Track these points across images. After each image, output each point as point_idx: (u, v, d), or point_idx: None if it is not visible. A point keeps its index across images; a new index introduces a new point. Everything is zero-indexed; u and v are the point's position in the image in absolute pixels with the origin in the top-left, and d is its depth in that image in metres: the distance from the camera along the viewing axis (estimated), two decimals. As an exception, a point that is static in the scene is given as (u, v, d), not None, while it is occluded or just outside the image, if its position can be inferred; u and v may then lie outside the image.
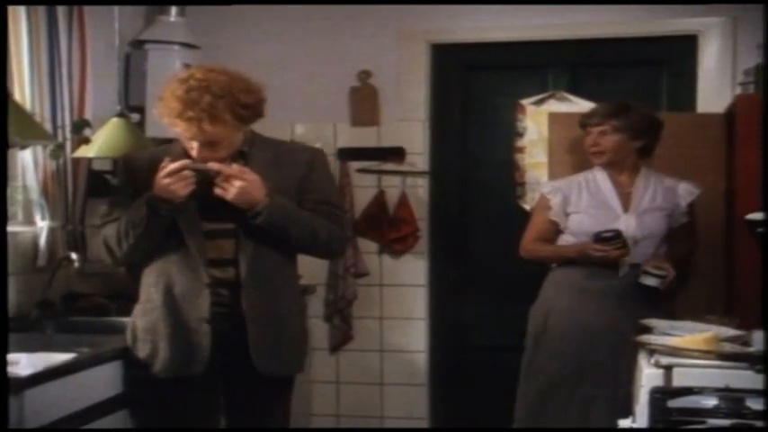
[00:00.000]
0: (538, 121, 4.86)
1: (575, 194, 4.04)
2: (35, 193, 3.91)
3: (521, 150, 4.95)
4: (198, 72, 3.02)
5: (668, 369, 2.75)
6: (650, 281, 3.79)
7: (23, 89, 3.83)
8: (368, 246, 5.14)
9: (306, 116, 5.17)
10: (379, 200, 5.10)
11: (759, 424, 2.25)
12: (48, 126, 3.92)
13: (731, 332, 3.10)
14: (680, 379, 2.70)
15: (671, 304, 4.00)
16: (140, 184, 3.07)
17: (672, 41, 4.87)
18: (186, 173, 2.99)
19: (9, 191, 3.78)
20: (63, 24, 4.06)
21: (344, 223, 3.39)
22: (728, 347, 2.90)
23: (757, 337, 2.93)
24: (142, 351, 3.15)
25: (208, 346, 3.08)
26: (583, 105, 4.61)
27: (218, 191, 3.00)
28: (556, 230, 4.07)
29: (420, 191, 5.12)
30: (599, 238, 3.82)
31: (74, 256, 3.97)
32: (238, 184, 2.98)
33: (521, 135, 4.96)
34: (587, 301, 3.90)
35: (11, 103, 3.42)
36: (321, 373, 5.17)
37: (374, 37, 5.09)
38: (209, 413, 3.21)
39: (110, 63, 4.34)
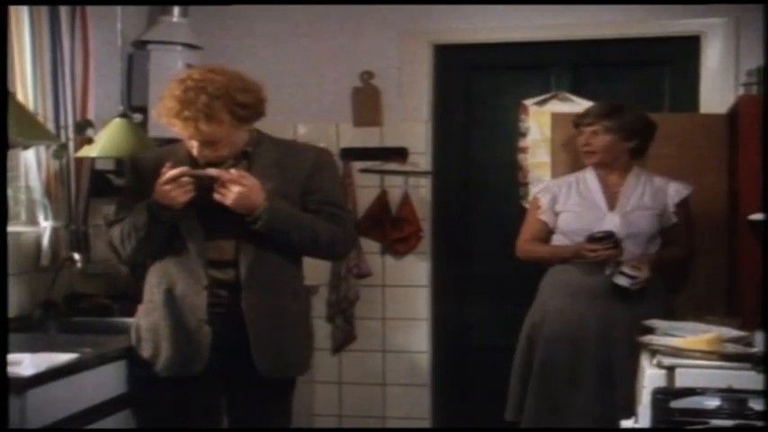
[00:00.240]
0: (540, 122, 4.86)
1: (563, 194, 4.07)
2: (38, 194, 3.92)
3: (523, 150, 4.95)
4: (196, 72, 3.03)
5: (671, 370, 2.76)
6: (622, 281, 3.83)
7: (26, 89, 3.83)
8: (370, 246, 5.14)
9: (308, 116, 5.17)
10: (382, 200, 5.10)
11: (761, 424, 2.25)
12: (51, 126, 3.92)
13: (734, 333, 3.10)
14: (682, 380, 2.70)
15: (669, 302, 4.01)
16: (147, 183, 3.08)
17: (674, 42, 4.87)
18: (185, 179, 2.99)
19: (12, 191, 3.78)
20: (66, 25, 4.06)
21: (349, 225, 3.37)
22: (731, 348, 2.90)
23: (760, 337, 2.92)
24: (145, 351, 3.16)
25: (208, 346, 3.09)
26: (585, 106, 4.58)
27: (216, 196, 3.00)
28: (548, 230, 4.10)
29: (422, 191, 5.12)
30: (591, 238, 3.86)
31: (77, 256, 3.97)
32: (237, 189, 2.98)
33: (523, 135, 4.95)
34: (580, 301, 3.92)
35: (14, 104, 3.42)
36: (324, 373, 5.17)
37: (377, 37, 5.09)
38: (211, 413, 3.22)
39: (112, 63, 4.34)
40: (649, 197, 4.01)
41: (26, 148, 3.79)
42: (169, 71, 4.05)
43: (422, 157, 5.09)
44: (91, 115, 4.19)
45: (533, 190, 4.27)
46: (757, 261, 3.75)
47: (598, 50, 4.96)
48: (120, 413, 3.18)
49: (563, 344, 3.92)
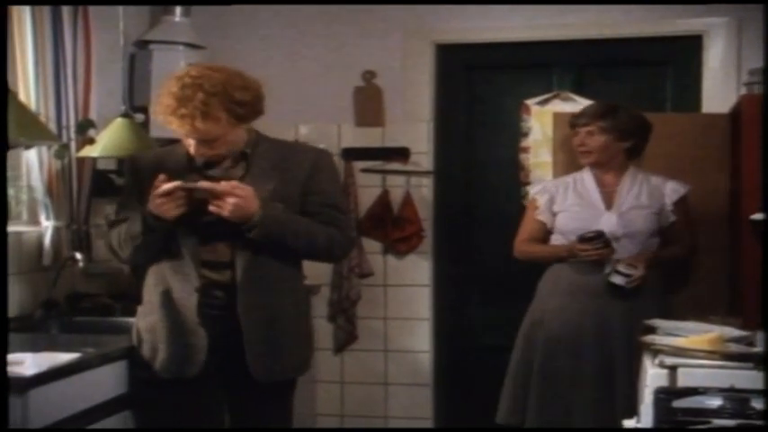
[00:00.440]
0: (542, 122, 4.86)
1: (561, 194, 4.09)
2: (40, 193, 3.92)
3: (525, 150, 4.95)
4: (194, 69, 3.02)
5: (673, 369, 2.75)
6: (617, 279, 3.85)
7: (28, 89, 3.83)
8: (372, 246, 5.14)
9: (310, 116, 5.17)
10: (384, 200, 5.10)
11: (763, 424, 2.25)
12: (52, 126, 3.92)
13: (736, 332, 3.09)
14: (685, 379, 2.70)
15: (668, 301, 4.02)
16: (146, 184, 3.06)
17: (677, 42, 4.87)
18: (178, 194, 2.96)
19: (14, 191, 3.78)
20: (68, 25, 4.06)
21: (348, 226, 3.35)
22: (733, 348, 2.90)
23: (761, 337, 2.93)
24: (145, 352, 3.16)
25: (203, 348, 3.07)
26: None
27: (212, 209, 2.97)
28: (545, 230, 4.13)
29: (424, 191, 5.12)
30: (581, 238, 3.88)
31: (78, 255, 3.97)
32: (232, 200, 2.95)
33: (525, 135, 4.95)
34: (578, 300, 3.94)
35: (16, 103, 3.42)
36: (325, 373, 5.17)
37: (379, 37, 5.09)
38: (211, 414, 3.21)
39: (114, 63, 4.34)
40: (646, 196, 4.02)
41: (28, 147, 3.79)
42: (171, 71, 4.02)
43: (424, 156, 5.09)
44: (93, 115, 4.19)
45: (531, 190, 4.28)
46: (759, 261, 3.75)
47: (600, 50, 4.96)
48: (121, 413, 3.18)
49: (562, 343, 3.93)
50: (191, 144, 3.04)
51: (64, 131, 4.02)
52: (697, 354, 2.82)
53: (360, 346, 5.19)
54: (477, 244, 5.18)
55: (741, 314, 3.72)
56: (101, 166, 4.26)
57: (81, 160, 4.12)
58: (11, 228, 3.73)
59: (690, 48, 4.82)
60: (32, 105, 3.81)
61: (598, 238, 3.86)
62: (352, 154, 5.12)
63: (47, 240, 3.94)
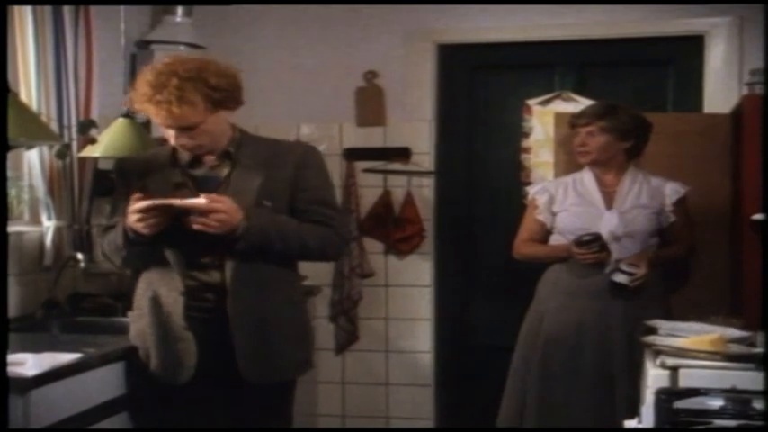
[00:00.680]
0: (544, 122, 4.86)
1: (561, 194, 4.10)
2: (41, 193, 3.92)
3: (527, 150, 4.95)
4: (168, 58, 3.03)
5: (674, 370, 2.75)
6: (620, 278, 3.85)
7: (30, 89, 3.83)
8: (373, 246, 5.14)
9: (312, 116, 5.17)
10: (385, 200, 5.10)
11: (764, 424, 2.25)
12: (54, 126, 3.92)
13: (737, 333, 3.09)
14: (686, 380, 2.70)
15: (668, 301, 4.02)
16: (133, 188, 3.06)
17: (678, 41, 4.86)
18: (154, 211, 2.93)
19: (16, 191, 3.79)
20: (69, 25, 4.06)
21: (340, 223, 3.31)
22: (735, 348, 2.90)
23: (763, 338, 2.93)
24: (140, 356, 3.15)
25: (193, 353, 3.05)
26: (589, 106, 4.61)
27: (196, 227, 2.93)
28: (545, 230, 4.13)
29: (426, 191, 5.12)
30: (578, 241, 3.88)
31: (80, 255, 3.97)
32: (216, 216, 2.91)
33: (527, 135, 4.95)
34: (578, 300, 3.95)
35: (17, 103, 3.43)
36: (327, 373, 5.17)
37: (380, 37, 5.09)
38: (207, 416, 3.20)
39: (116, 63, 4.34)
40: (646, 196, 4.03)
41: (29, 147, 3.79)
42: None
43: (425, 156, 5.09)
44: (94, 115, 4.19)
45: (530, 191, 4.27)
46: (760, 261, 3.74)
47: (602, 50, 4.96)
48: (123, 413, 3.18)
49: (562, 343, 3.94)
50: (171, 135, 3.02)
51: (65, 131, 4.02)
52: (698, 354, 2.82)
53: (361, 347, 5.19)
54: (478, 244, 5.18)
55: (743, 315, 3.72)
56: (102, 166, 4.25)
57: (82, 160, 4.12)
58: (12, 228, 3.73)
59: (691, 48, 4.82)
60: (34, 105, 3.82)
61: (595, 241, 3.86)
62: (353, 154, 5.12)
63: (48, 240, 3.95)
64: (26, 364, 2.81)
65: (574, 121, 4.13)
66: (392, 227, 5.08)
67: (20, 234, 3.83)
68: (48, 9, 3.92)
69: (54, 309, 3.87)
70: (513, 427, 4.07)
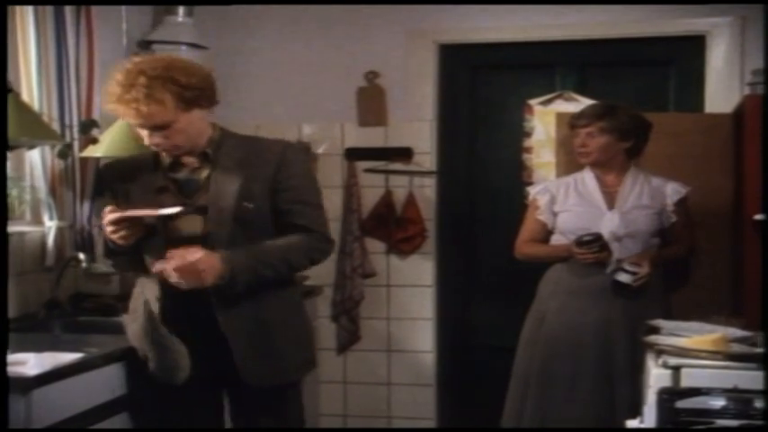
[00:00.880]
0: (545, 122, 4.86)
1: (562, 194, 4.10)
2: (43, 193, 3.92)
3: (528, 150, 4.95)
4: (138, 57, 3.02)
5: (676, 370, 2.75)
6: (623, 277, 3.86)
7: (31, 89, 3.83)
8: (375, 246, 5.15)
9: (313, 116, 5.17)
10: (387, 200, 5.10)
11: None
12: (56, 126, 3.92)
13: (739, 333, 3.09)
14: (688, 379, 2.70)
15: (669, 301, 4.02)
16: (117, 193, 3.09)
17: (680, 41, 4.86)
18: (126, 222, 2.93)
19: (17, 191, 3.78)
20: (71, 24, 4.06)
21: (323, 223, 3.19)
22: (736, 348, 2.90)
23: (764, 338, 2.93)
24: (139, 356, 3.14)
25: (185, 354, 3.02)
26: (590, 105, 4.60)
27: (175, 282, 2.90)
28: (546, 231, 4.13)
29: (427, 191, 5.12)
30: (578, 241, 3.88)
31: (81, 256, 3.97)
32: (194, 276, 2.87)
33: (528, 135, 4.96)
34: (579, 300, 3.95)
35: (19, 103, 3.43)
36: (328, 373, 5.17)
37: (382, 37, 5.09)
38: (210, 416, 3.20)
39: (117, 63, 4.32)
40: (647, 196, 4.03)
41: (31, 147, 3.80)
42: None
43: (427, 156, 5.09)
44: (96, 115, 4.19)
45: (531, 191, 4.27)
46: (762, 261, 3.74)
47: (603, 50, 4.96)
48: (125, 413, 3.18)
49: (563, 343, 3.94)
50: (145, 135, 2.99)
51: (67, 131, 4.02)
52: (700, 354, 2.82)
53: (363, 347, 5.19)
54: (480, 244, 5.18)
55: (744, 315, 3.72)
56: (103, 165, 4.25)
57: (84, 160, 4.12)
58: (14, 228, 3.73)
59: (693, 47, 4.81)
60: (35, 105, 3.82)
61: (595, 241, 3.86)
62: (355, 154, 5.12)
63: (50, 240, 3.95)
64: (28, 363, 2.81)
65: (573, 122, 4.13)
66: (394, 227, 5.08)
67: (22, 234, 3.83)
68: (49, 9, 3.93)
69: (56, 309, 3.86)
70: (513, 428, 4.07)
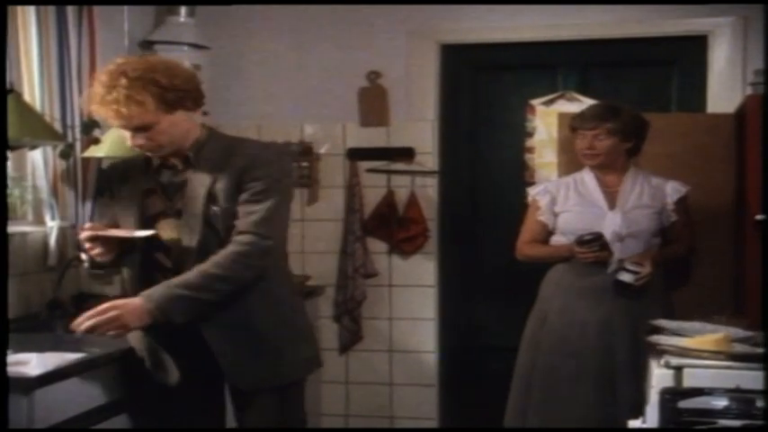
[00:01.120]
0: (547, 122, 4.86)
1: (562, 194, 4.10)
2: (45, 193, 3.92)
3: (530, 150, 4.95)
4: (121, 59, 2.99)
5: (678, 370, 2.76)
6: (625, 277, 3.86)
7: (33, 89, 3.83)
8: (377, 246, 5.15)
9: (315, 116, 5.17)
10: (389, 200, 5.10)
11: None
12: (57, 126, 3.92)
13: (741, 333, 3.09)
14: (690, 380, 2.70)
15: (670, 301, 4.02)
16: (114, 194, 3.10)
17: (682, 42, 4.86)
18: (101, 240, 2.96)
19: (19, 191, 3.79)
20: (73, 25, 4.06)
21: (261, 219, 2.94)
22: (739, 348, 2.90)
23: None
24: (138, 356, 3.15)
25: (169, 359, 3.04)
26: (592, 105, 4.60)
27: (86, 327, 2.87)
28: (547, 231, 4.13)
29: (429, 191, 5.12)
30: (579, 240, 3.89)
31: (84, 256, 3.96)
32: (112, 320, 2.85)
33: (530, 135, 4.96)
34: (581, 300, 3.95)
35: (21, 103, 3.43)
36: (330, 373, 5.17)
37: (384, 38, 5.09)
38: (208, 416, 3.20)
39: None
40: (648, 196, 4.03)
41: (33, 147, 3.80)
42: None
43: (428, 156, 5.09)
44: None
45: (531, 191, 4.26)
46: (763, 261, 3.75)
47: (605, 50, 4.96)
48: (126, 413, 3.17)
49: (565, 343, 3.94)
50: (128, 136, 2.97)
51: (69, 131, 4.02)
52: (702, 354, 2.82)
53: (365, 347, 5.19)
54: (482, 244, 5.18)
55: (746, 314, 3.71)
56: (106, 166, 4.25)
57: (86, 160, 4.12)
58: (16, 228, 3.73)
59: (695, 48, 4.82)
60: (37, 105, 3.82)
61: (596, 240, 3.86)
62: (357, 154, 5.13)
63: (52, 240, 3.95)
64: (30, 363, 2.82)
65: (577, 125, 4.10)
66: (396, 227, 5.08)
67: (24, 234, 3.83)
68: (51, 9, 3.92)
69: (58, 309, 3.86)
70: (514, 427, 4.07)
